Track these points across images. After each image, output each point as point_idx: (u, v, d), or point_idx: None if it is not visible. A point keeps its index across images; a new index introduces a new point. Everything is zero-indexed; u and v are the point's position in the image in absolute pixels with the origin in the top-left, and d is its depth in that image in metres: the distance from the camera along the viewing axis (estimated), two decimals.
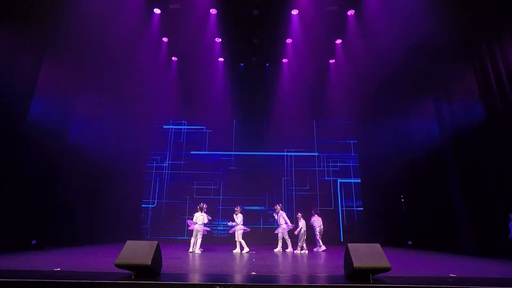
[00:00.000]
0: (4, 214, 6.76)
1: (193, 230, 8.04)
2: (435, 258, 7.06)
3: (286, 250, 8.74)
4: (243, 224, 8.50)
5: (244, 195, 13.19)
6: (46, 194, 7.91)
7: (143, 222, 13.04)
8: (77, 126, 9.22)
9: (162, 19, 11.02)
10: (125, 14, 9.76)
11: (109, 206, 11.16)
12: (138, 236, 12.48)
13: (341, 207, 13.22)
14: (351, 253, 3.64)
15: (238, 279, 3.68)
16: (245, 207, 12.51)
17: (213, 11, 10.86)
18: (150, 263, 3.50)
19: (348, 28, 11.12)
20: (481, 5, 7.74)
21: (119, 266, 3.58)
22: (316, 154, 13.97)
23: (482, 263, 5.98)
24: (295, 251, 8.51)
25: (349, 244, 3.82)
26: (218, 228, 12.69)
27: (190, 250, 7.84)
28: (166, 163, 13.85)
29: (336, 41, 12.31)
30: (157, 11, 10.82)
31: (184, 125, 14.40)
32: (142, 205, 13.25)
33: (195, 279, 3.61)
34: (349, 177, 13.66)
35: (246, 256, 7.14)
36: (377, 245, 3.80)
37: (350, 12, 10.75)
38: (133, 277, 3.46)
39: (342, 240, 12.63)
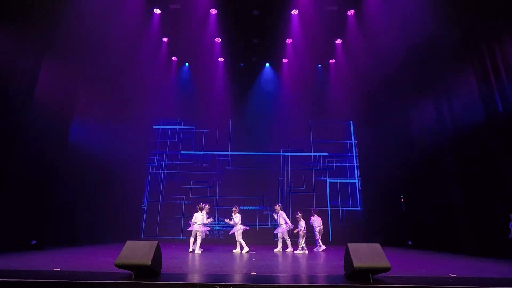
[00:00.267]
0: (4, 214, 6.76)
1: (192, 230, 8.04)
2: (435, 258, 7.05)
3: (286, 250, 8.74)
4: (242, 224, 8.49)
5: (240, 195, 13.20)
6: (46, 194, 7.91)
7: (141, 222, 13.04)
8: (77, 126, 9.22)
9: (162, 19, 11.03)
10: (125, 14, 9.76)
11: (109, 206, 11.16)
12: (138, 236, 12.48)
13: (329, 207, 13.20)
14: (351, 253, 3.64)
15: (238, 279, 3.68)
16: (241, 207, 12.48)
17: (213, 11, 10.86)
18: (150, 263, 3.50)
19: (348, 28, 11.13)
20: (481, 5, 7.74)
21: (119, 266, 3.58)
22: (312, 154, 13.96)
23: (482, 263, 5.98)
24: (295, 252, 8.50)
25: (349, 244, 3.82)
26: (215, 228, 12.65)
27: (190, 249, 7.84)
28: (162, 162, 13.85)
29: (336, 41, 12.31)
30: (157, 11, 10.83)
31: (181, 125, 14.40)
32: (142, 205, 13.25)
33: (195, 279, 3.61)
34: (346, 177, 13.64)
35: (246, 256, 7.14)
36: (377, 245, 3.80)
37: (350, 12, 10.76)
38: (133, 277, 3.46)
39: (330, 240, 12.63)
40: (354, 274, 3.57)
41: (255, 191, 13.35)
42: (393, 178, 12.05)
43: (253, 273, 4.27)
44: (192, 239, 7.99)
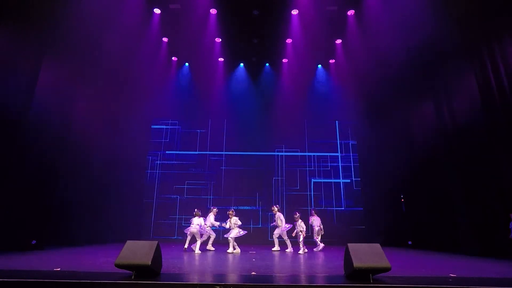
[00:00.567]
0: (4, 214, 6.76)
1: (193, 233, 8.17)
2: (435, 258, 7.05)
3: (286, 251, 8.72)
4: (239, 227, 8.42)
5: (235, 195, 13.21)
6: (46, 194, 7.91)
7: (141, 222, 13.05)
8: (77, 126, 9.21)
9: (162, 19, 11.03)
10: (125, 14, 9.77)
11: (110, 206, 11.15)
12: (138, 236, 12.47)
13: (324, 207, 13.19)
14: (351, 253, 3.64)
15: (238, 279, 3.68)
16: (236, 207, 12.49)
17: (213, 11, 10.86)
18: (150, 263, 3.50)
19: (348, 28, 11.13)
20: (481, 5, 7.74)
21: (119, 266, 3.58)
22: (307, 154, 13.95)
23: (482, 263, 5.98)
24: (299, 252, 8.37)
25: (349, 244, 3.82)
26: (213, 228, 12.59)
27: (185, 246, 8.06)
28: (157, 162, 13.85)
29: (336, 41, 12.32)
30: (157, 11, 10.83)
31: (176, 125, 14.38)
32: (142, 205, 13.26)
33: (195, 279, 3.60)
34: (342, 177, 13.63)
35: (246, 256, 7.13)
36: (377, 245, 3.80)
37: (350, 12, 10.76)
38: (133, 277, 3.46)
39: (329, 240, 12.59)
40: (354, 274, 3.57)
41: (249, 191, 13.35)
42: (393, 178, 12.05)
43: (253, 273, 4.27)
44: (188, 238, 8.24)
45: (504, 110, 7.36)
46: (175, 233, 12.71)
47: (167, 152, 14.00)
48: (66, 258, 5.82)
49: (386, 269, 3.52)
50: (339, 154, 13.91)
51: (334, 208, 13.20)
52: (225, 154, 13.98)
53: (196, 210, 8.51)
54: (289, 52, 12.69)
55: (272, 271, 4.60)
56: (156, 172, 13.72)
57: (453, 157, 8.87)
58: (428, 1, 8.57)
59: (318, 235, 9.25)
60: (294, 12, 10.84)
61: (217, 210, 8.89)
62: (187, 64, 13.96)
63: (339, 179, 13.59)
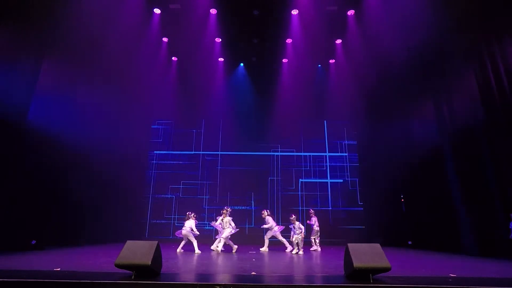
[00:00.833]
0: (4, 214, 6.75)
1: (186, 236, 8.17)
2: (435, 258, 7.06)
3: (286, 251, 8.71)
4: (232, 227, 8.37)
5: (230, 194, 13.21)
6: (46, 194, 7.91)
7: (141, 222, 13.05)
8: (77, 126, 9.20)
9: (162, 19, 11.03)
10: (125, 14, 9.76)
11: (109, 206, 11.14)
12: (138, 236, 12.46)
13: (320, 207, 13.17)
14: (351, 253, 3.64)
15: (238, 279, 3.68)
16: (231, 207, 12.49)
17: (213, 11, 10.86)
18: (150, 263, 3.50)
19: (348, 28, 11.13)
20: (481, 5, 7.74)
21: (119, 266, 3.58)
22: (303, 154, 13.95)
23: (482, 263, 5.98)
24: (299, 252, 8.31)
25: (349, 244, 3.82)
26: (205, 227, 12.59)
27: (178, 250, 8.05)
28: (153, 162, 13.86)
29: (336, 41, 12.32)
30: (157, 11, 10.83)
31: (172, 125, 14.39)
32: (142, 205, 13.27)
33: (195, 279, 3.61)
34: (339, 177, 13.64)
35: (246, 256, 7.13)
36: (377, 245, 3.80)
37: (350, 12, 10.76)
38: (133, 277, 3.46)
39: (327, 240, 12.59)
40: (354, 274, 3.57)
41: (245, 191, 13.35)
42: (393, 178, 12.05)
43: (253, 273, 4.27)
44: (183, 242, 8.30)
45: (504, 110, 7.36)
46: (170, 233, 12.71)
47: (162, 152, 14.01)
48: (66, 258, 5.82)
49: (386, 269, 3.53)
50: (335, 154, 13.93)
51: (330, 208, 13.20)
52: (220, 154, 13.99)
53: (188, 213, 8.49)
54: (289, 52, 12.69)
55: (272, 271, 4.60)
56: (151, 172, 13.73)
57: (453, 157, 8.86)
58: (428, 1, 8.56)
59: (316, 235, 9.25)
60: (294, 12, 10.84)
61: (230, 210, 8.71)
62: (186, 64, 13.92)
63: (336, 179, 13.60)
